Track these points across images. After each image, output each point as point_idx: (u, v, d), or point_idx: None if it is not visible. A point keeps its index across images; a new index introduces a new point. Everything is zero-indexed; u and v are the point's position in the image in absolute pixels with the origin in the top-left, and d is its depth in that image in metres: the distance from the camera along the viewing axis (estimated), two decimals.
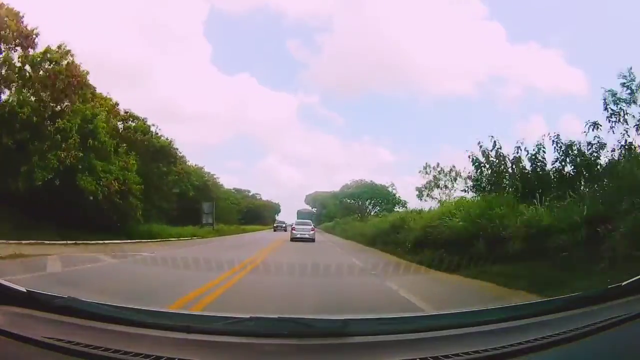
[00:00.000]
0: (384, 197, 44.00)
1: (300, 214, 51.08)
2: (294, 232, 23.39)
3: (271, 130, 79.27)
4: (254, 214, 57.34)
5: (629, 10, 42.76)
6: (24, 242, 11.08)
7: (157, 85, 67.02)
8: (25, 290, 1.72)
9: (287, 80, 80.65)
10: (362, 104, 72.28)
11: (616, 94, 9.38)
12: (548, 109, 56.92)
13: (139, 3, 61.09)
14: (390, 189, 45.58)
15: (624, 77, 9.28)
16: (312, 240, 22.47)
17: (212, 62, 77.99)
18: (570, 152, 10.47)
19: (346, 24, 66.98)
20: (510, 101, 57.87)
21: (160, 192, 23.57)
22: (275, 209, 72.76)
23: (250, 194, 65.13)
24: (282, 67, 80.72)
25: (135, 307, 1.84)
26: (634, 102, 9.24)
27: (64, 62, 15.59)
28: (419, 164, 25.15)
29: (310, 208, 62.62)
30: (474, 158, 12.19)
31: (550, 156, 10.85)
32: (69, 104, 15.62)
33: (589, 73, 64.44)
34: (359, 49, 66.17)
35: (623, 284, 1.93)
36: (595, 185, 9.30)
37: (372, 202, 45.21)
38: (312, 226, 24.75)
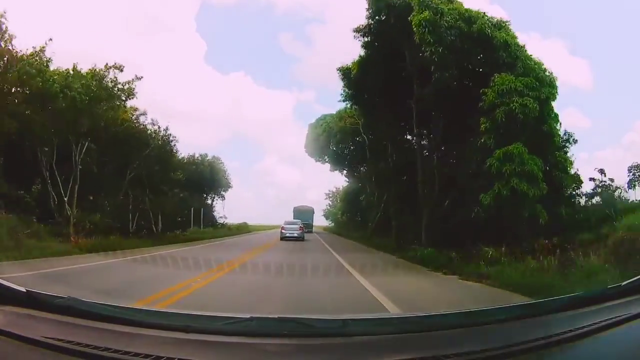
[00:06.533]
0: None
1: (297, 212, 41.26)
2: (283, 231, 25.03)
3: (268, 129, 77.96)
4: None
5: None
6: None
7: (153, 86, 65.51)
8: (25, 290, 1.71)
9: (282, 77, 79.80)
10: None
11: None
12: None
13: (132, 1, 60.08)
14: None
15: None
16: (301, 239, 23.86)
17: (206, 61, 77.14)
18: None
19: (337, 13, 64.86)
20: None
21: None
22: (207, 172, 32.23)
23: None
24: (276, 64, 79.33)
25: (136, 307, 1.84)
26: None
27: None
28: None
29: (309, 205, 49.27)
30: None
31: None
32: None
33: (594, 64, 63.66)
34: (351, 39, 64.35)
35: (623, 284, 1.93)
36: None
37: None
38: (300, 225, 26.37)
